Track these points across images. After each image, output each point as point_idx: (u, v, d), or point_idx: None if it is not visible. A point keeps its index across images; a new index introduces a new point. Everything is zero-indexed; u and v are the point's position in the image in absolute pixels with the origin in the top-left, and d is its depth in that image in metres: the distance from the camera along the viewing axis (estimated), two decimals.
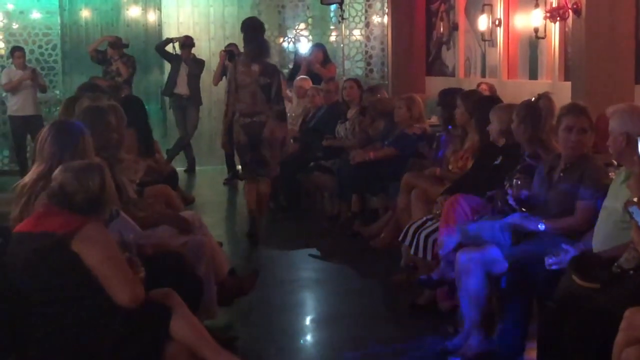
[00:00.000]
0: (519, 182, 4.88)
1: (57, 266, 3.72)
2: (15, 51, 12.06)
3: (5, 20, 13.16)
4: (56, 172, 3.90)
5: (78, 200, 3.80)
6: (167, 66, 12.89)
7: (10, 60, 12.34)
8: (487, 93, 8.25)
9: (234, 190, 11.47)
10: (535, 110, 5.24)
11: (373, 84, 11.53)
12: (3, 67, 12.62)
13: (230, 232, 8.75)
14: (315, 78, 10.89)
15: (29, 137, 11.49)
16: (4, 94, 12.74)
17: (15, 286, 3.78)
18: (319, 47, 11.95)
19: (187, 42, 12.33)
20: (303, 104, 10.48)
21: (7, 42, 13.06)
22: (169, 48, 12.55)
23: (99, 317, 3.75)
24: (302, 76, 11.02)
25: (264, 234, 8.38)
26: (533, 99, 5.35)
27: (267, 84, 8.00)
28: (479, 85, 9.05)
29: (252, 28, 8.27)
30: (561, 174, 4.79)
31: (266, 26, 12.39)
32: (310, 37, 13.64)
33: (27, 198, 4.30)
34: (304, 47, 13.25)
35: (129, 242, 4.32)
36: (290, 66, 12.73)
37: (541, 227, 4.70)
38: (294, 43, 13.71)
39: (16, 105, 11.94)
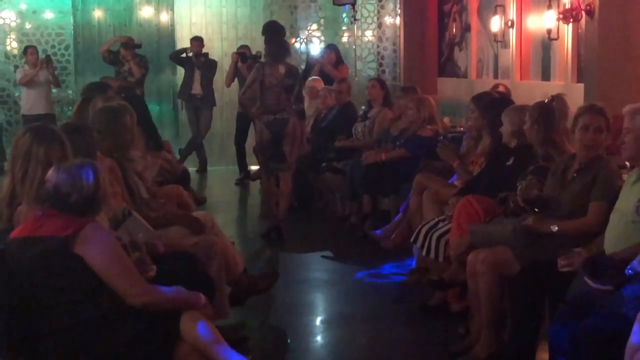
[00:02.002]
0: (529, 182, 4.87)
1: (62, 270, 3.71)
2: (29, 48, 12.13)
3: (18, 20, 13.22)
4: (49, 173, 3.84)
5: (73, 200, 3.76)
6: (180, 67, 12.94)
7: (24, 60, 12.40)
8: (501, 92, 8.24)
9: (245, 191, 11.49)
10: (549, 112, 5.23)
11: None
12: (17, 66, 12.67)
13: (241, 232, 8.77)
14: (328, 79, 10.90)
15: None
16: (17, 94, 12.80)
17: (22, 291, 3.75)
18: (332, 48, 11.97)
19: (197, 51, 12.40)
20: (315, 105, 10.49)
21: (20, 41, 13.13)
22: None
23: (108, 318, 3.74)
24: (314, 77, 11.03)
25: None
26: (546, 100, 5.35)
27: (291, 85, 8.23)
28: (495, 86, 9.02)
29: (272, 30, 8.47)
30: (575, 175, 4.78)
31: None
32: (323, 38, 13.66)
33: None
34: (316, 48, 13.28)
35: (138, 242, 4.32)
36: (303, 67, 12.73)
37: (554, 228, 4.69)
38: (306, 44, 13.71)
39: (30, 102, 11.97)
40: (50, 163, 4.02)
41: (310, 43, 13.58)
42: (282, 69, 8.21)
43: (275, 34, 8.38)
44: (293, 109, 8.28)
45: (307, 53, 13.19)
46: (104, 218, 4.29)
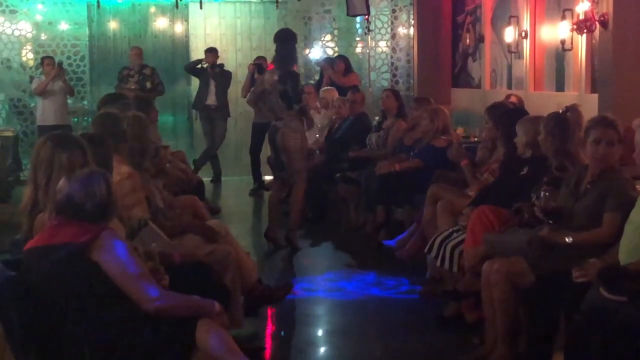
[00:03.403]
0: (546, 194, 4.87)
1: (79, 276, 3.74)
2: (45, 59, 12.18)
3: (34, 31, 13.27)
4: (60, 183, 3.88)
5: (87, 208, 3.80)
6: (194, 77, 13.00)
7: (39, 70, 12.46)
8: (514, 102, 8.24)
9: (259, 201, 11.50)
10: (563, 122, 5.23)
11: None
12: (32, 77, 12.73)
13: (256, 242, 8.78)
14: (340, 89, 10.93)
15: None
16: (32, 104, 12.85)
17: (40, 298, 3.78)
18: (341, 58, 12.07)
19: (212, 62, 12.47)
20: (328, 115, 10.52)
21: (35, 52, 13.17)
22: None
23: (126, 326, 3.76)
24: (326, 87, 11.08)
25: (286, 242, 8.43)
26: (561, 110, 5.35)
27: (284, 91, 8.21)
28: (508, 96, 9.02)
29: (279, 38, 8.52)
30: (588, 186, 4.78)
31: None
32: (336, 49, 13.68)
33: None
34: (319, 53, 13.39)
35: (152, 251, 4.35)
36: (317, 77, 12.77)
37: (568, 239, 4.68)
38: (320, 54, 13.75)
39: (45, 113, 11.98)
40: (73, 169, 4.05)
41: (324, 54, 13.59)
42: (276, 75, 8.25)
43: (283, 42, 8.41)
44: (288, 119, 8.20)
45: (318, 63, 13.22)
46: (120, 226, 4.32)
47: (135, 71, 12.29)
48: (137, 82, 12.14)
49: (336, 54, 13.15)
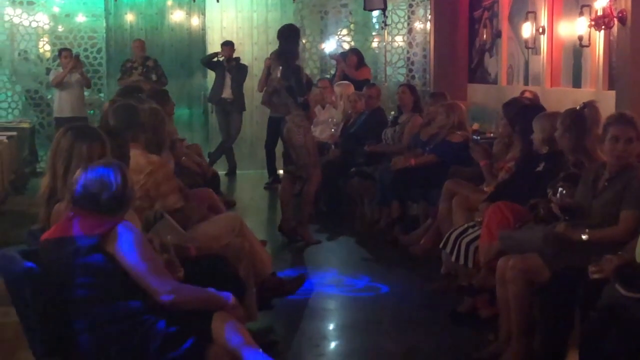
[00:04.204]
0: (563, 191, 4.85)
1: (95, 268, 3.75)
2: (63, 51, 12.22)
3: (51, 23, 13.31)
4: (76, 174, 3.89)
5: (104, 199, 3.81)
6: (211, 71, 13.02)
7: (56, 62, 12.51)
8: (528, 98, 8.21)
9: (274, 195, 11.50)
10: (581, 119, 5.21)
11: None
12: (49, 69, 12.77)
13: (270, 235, 8.78)
14: (355, 83, 10.94)
15: None
16: (49, 96, 12.90)
17: (56, 290, 3.80)
18: (353, 52, 12.09)
19: (228, 56, 12.51)
20: (341, 109, 10.54)
21: (52, 44, 13.21)
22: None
23: (141, 318, 3.76)
24: (341, 82, 11.08)
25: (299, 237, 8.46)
26: (578, 107, 5.33)
27: (289, 86, 8.29)
28: (522, 92, 9.00)
29: (280, 34, 8.62)
30: (606, 183, 4.76)
31: (308, 31, 12.61)
32: (353, 43, 13.67)
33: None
34: (331, 47, 13.39)
35: (167, 243, 4.36)
36: (332, 72, 12.78)
37: (584, 236, 4.66)
38: (336, 49, 13.74)
39: (62, 105, 12.03)
40: (92, 161, 4.06)
41: (339, 48, 13.57)
42: (279, 72, 8.36)
43: (286, 38, 8.47)
44: (295, 114, 8.27)
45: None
46: (136, 218, 4.33)
47: (139, 63, 12.35)
48: (142, 74, 12.20)
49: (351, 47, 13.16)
